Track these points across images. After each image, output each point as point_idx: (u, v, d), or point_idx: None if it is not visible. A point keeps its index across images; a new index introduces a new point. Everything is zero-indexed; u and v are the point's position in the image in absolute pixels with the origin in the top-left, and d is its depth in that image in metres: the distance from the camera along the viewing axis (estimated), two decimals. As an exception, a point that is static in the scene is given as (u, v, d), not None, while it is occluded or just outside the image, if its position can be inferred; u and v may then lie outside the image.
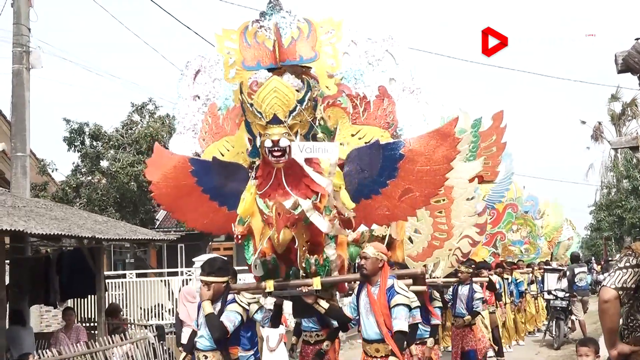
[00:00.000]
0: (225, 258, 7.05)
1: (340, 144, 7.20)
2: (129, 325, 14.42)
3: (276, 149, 6.09)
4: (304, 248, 6.40)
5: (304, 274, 6.59)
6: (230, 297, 6.68)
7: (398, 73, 7.56)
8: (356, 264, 6.89)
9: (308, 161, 6.33)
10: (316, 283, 6.44)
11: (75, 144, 22.11)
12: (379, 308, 6.50)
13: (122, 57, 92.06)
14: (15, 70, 14.22)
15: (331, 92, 7.37)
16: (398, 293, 6.54)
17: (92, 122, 22.30)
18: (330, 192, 6.32)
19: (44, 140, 54.82)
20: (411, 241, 8.77)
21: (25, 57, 14.19)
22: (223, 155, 7.36)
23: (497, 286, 14.91)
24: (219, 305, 6.62)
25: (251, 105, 6.19)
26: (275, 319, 6.96)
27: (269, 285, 6.57)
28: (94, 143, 22.34)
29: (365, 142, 6.86)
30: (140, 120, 22.79)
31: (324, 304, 6.68)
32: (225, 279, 6.70)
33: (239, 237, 6.46)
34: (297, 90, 6.38)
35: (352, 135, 7.18)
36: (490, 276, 13.61)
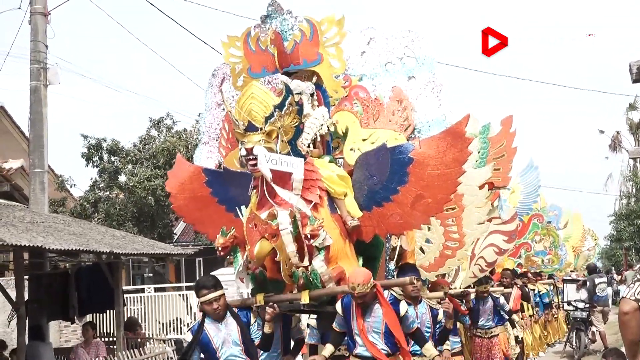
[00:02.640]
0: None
1: (351, 149, 7.07)
2: (147, 339, 14.43)
3: (250, 157, 5.85)
4: (290, 260, 6.07)
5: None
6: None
7: (418, 70, 7.43)
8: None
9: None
10: (304, 297, 6.17)
11: (93, 159, 22.25)
12: (393, 324, 6.22)
13: (139, 72, 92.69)
14: (32, 86, 14.30)
15: (339, 95, 7.23)
16: (400, 301, 6.46)
17: (110, 138, 22.49)
18: (296, 204, 6.00)
19: (62, 156, 55.12)
20: (422, 251, 8.64)
21: (43, 74, 14.28)
22: (239, 165, 7.30)
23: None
24: (230, 319, 6.33)
25: (230, 112, 6.04)
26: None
27: (259, 299, 6.37)
28: (112, 158, 22.47)
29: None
30: (158, 135, 22.91)
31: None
32: (223, 290, 6.40)
33: (220, 249, 6.25)
34: (298, 94, 6.21)
35: (364, 139, 7.03)
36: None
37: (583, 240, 25.11)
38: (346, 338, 6.59)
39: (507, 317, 11.37)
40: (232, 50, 7.23)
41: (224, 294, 6.35)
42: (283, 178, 6.06)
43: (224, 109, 7.77)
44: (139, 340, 13.54)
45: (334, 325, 6.50)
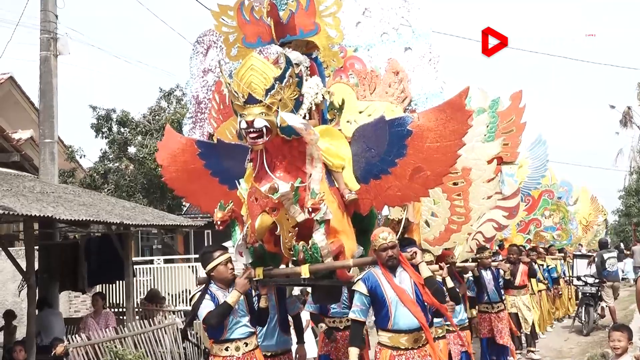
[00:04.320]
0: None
1: (347, 121, 6.97)
2: (158, 310, 14.49)
3: (251, 130, 5.76)
4: (290, 234, 6.04)
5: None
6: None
7: (415, 41, 7.34)
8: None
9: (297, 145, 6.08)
10: (304, 271, 6.09)
11: (103, 130, 22.21)
12: (422, 286, 6.08)
13: (150, 44, 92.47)
14: (42, 57, 14.27)
15: (337, 64, 7.13)
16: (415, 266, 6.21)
17: (120, 109, 22.43)
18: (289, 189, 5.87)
19: (72, 126, 55.04)
20: (428, 225, 8.57)
21: (53, 44, 14.23)
22: (232, 137, 7.22)
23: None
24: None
25: (229, 84, 5.93)
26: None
27: (258, 272, 6.33)
28: (122, 129, 22.42)
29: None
30: (168, 106, 22.83)
31: None
32: None
33: (219, 223, 6.18)
34: (297, 65, 6.09)
35: (360, 112, 6.95)
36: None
37: (597, 215, 25.07)
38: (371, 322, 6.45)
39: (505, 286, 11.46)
40: (223, 19, 7.07)
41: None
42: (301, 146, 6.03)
43: (213, 78, 7.71)
44: (161, 312, 13.61)
45: (355, 315, 6.21)
